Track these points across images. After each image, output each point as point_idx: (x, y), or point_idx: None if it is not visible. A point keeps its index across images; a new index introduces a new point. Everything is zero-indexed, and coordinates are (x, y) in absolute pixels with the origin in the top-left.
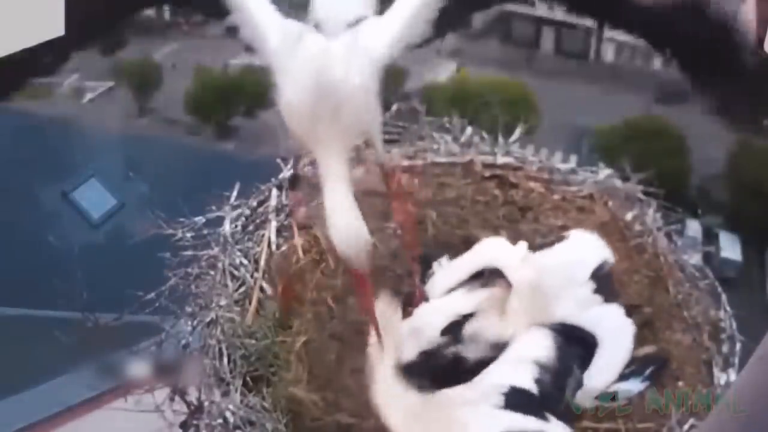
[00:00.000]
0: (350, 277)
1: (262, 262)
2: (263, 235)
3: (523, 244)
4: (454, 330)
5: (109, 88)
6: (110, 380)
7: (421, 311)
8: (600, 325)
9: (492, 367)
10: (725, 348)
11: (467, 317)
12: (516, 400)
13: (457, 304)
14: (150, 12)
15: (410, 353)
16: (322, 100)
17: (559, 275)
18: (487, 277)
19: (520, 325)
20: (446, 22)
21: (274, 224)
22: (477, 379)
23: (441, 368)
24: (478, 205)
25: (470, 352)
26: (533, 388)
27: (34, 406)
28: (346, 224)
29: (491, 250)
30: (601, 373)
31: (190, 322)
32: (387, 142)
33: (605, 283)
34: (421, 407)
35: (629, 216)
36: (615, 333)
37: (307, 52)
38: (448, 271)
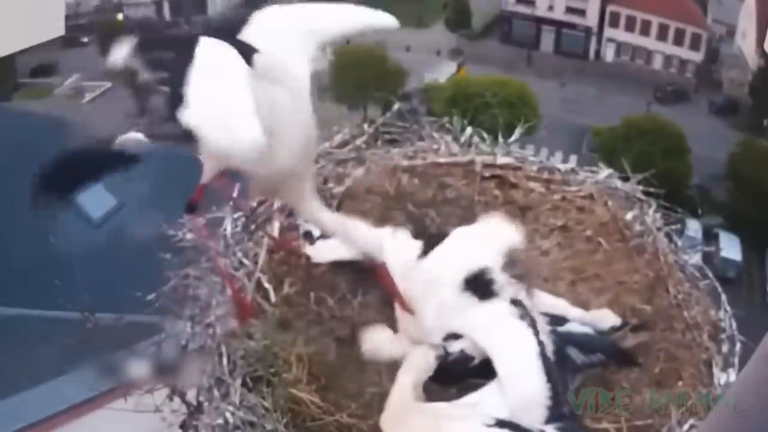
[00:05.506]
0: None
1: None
2: (263, 236)
3: (417, 243)
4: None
5: (109, 88)
6: (110, 380)
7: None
8: (474, 328)
9: (484, 391)
10: (725, 348)
11: None
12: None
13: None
14: (150, 12)
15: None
16: None
17: (424, 282)
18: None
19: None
20: None
21: (276, 224)
22: (466, 399)
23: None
24: (479, 205)
25: None
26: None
27: (34, 406)
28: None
29: (387, 246)
30: (516, 383)
31: (189, 323)
32: (387, 142)
33: (483, 283)
34: (411, 411)
35: (629, 216)
36: (505, 333)
37: None
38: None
